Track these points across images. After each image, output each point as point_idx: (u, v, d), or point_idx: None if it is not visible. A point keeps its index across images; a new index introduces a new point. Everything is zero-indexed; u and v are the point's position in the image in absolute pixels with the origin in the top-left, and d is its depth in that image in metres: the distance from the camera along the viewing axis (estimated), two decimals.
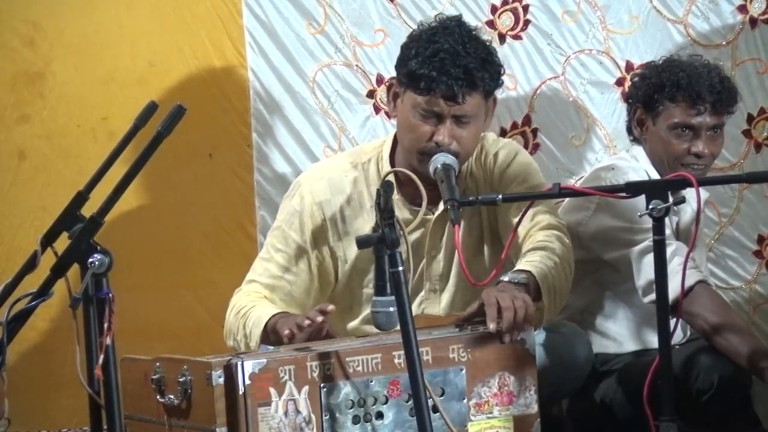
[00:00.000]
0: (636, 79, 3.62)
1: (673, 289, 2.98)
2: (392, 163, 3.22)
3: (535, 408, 2.85)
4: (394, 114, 3.21)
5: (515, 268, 3.04)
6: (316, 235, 3.23)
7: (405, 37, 3.49)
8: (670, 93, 3.46)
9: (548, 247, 3.08)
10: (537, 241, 3.11)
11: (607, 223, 3.39)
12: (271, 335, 3.01)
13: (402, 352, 2.61)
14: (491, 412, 2.81)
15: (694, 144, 3.45)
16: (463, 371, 2.77)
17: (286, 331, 2.88)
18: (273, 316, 3.04)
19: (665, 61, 3.56)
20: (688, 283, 3.20)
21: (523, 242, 3.16)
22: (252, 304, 3.14)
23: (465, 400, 2.78)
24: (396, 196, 3.13)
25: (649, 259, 3.00)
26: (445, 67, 3.05)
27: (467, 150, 3.15)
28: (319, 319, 2.85)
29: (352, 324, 3.29)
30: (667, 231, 3.25)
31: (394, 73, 3.89)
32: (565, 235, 3.16)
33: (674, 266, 3.13)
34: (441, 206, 3.11)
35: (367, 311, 3.22)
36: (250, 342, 3.07)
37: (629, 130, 3.61)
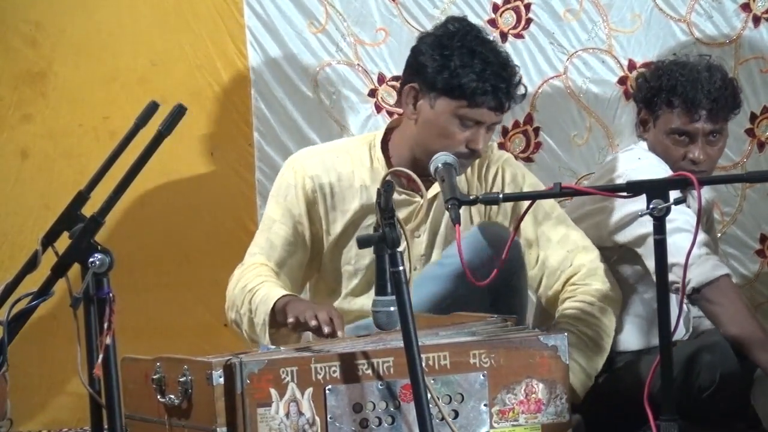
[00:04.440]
0: (639, 79, 3.61)
1: (698, 275, 3.13)
2: (385, 152, 3.30)
3: (566, 417, 2.80)
4: (413, 117, 3.23)
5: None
6: (309, 207, 3.30)
7: (406, 35, 3.58)
8: (667, 98, 3.45)
9: (585, 310, 3.25)
10: (576, 302, 3.27)
11: (636, 203, 3.33)
12: (278, 315, 3.06)
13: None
14: (516, 420, 2.77)
15: (690, 150, 3.44)
16: (485, 377, 2.74)
17: (291, 319, 2.95)
18: (282, 297, 3.08)
19: (668, 64, 3.54)
20: (718, 273, 3.23)
21: (561, 290, 3.29)
22: (260, 281, 3.17)
23: (486, 407, 2.75)
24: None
25: (673, 240, 3.02)
26: (496, 83, 3.15)
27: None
28: (326, 330, 2.90)
29: (336, 303, 3.34)
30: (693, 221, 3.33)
31: (395, 72, 3.95)
32: (607, 277, 3.29)
33: (702, 254, 3.19)
34: (431, 192, 3.23)
35: (347, 289, 3.31)
36: (254, 317, 3.11)
37: (635, 127, 3.62)
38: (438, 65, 3.17)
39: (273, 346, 2.86)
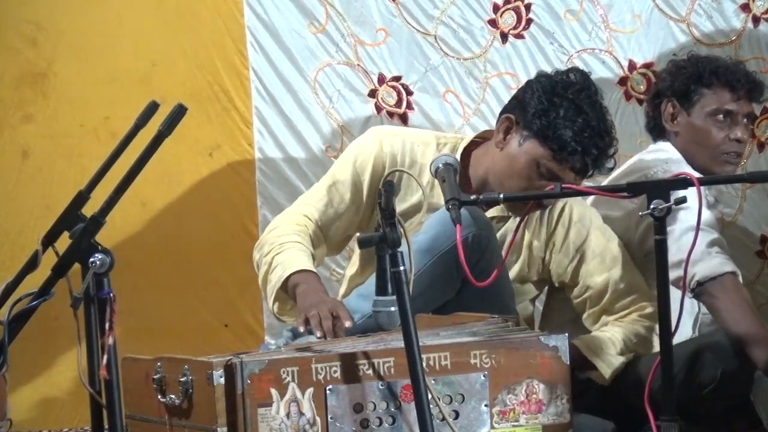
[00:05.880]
0: (665, 74, 3.63)
1: (703, 269, 3.17)
2: (464, 159, 3.32)
3: (567, 417, 2.80)
4: (500, 145, 3.26)
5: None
6: (373, 180, 3.31)
7: (406, 36, 3.64)
8: (708, 81, 3.51)
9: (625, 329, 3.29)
10: (625, 323, 3.31)
11: None
12: (289, 289, 3.09)
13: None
14: (517, 420, 2.76)
15: (733, 131, 3.51)
16: (485, 377, 2.74)
17: (302, 328, 2.94)
18: (298, 273, 3.09)
19: (698, 55, 3.62)
20: (724, 269, 3.25)
21: (612, 315, 3.34)
22: (293, 239, 3.19)
23: (487, 407, 2.75)
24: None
25: (688, 239, 3.03)
26: (589, 147, 3.16)
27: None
28: (329, 338, 2.90)
29: (353, 275, 3.41)
30: (711, 217, 3.38)
31: (395, 72, 3.95)
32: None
33: (713, 251, 3.23)
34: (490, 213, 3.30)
35: (370, 271, 3.30)
36: (270, 274, 3.13)
37: (653, 128, 3.62)
38: (541, 108, 3.19)
39: (273, 346, 2.86)
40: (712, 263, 3.25)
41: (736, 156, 3.53)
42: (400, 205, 3.32)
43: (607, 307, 3.36)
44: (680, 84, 3.55)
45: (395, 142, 3.33)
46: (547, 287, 3.60)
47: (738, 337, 3.24)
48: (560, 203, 3.37)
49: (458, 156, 3.31)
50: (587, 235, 3.37)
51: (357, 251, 3.49)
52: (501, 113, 3.30)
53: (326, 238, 3.33)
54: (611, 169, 3.27)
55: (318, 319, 2.93)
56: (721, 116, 3.51)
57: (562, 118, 3.17)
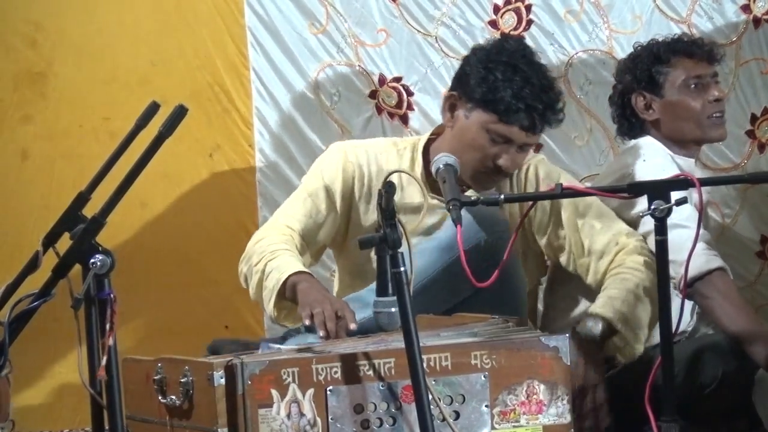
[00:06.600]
0: (622, 73, 3.63)
1: (691, 269, 3.09)
2: (426, 156, 3.34)
3: (568, 418, 2.80)
4: (449, 124, 3.29)
5: (592, 308, 3.14)
6: (344, 190, 3.34)
7: (406, 37, 3.63)
8: (666, 57, 3.52)
9: (631, 279, 3.20)
10: (624, 269, 3.23)
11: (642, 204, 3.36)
12: (287, 290, 3.09)
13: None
14: (518, 421, 2.77)
15: (709, 92, 3.51)
16: (486, 378, 2.74)
17: (307, 321, 2.95)
18: (296, 273, 3.09)
19: (640, 44, 3.62)
20: (710, 266, 3.24)
21: (608, 266, 3.28)
22: (283, 247, 3.20)
23: (487, 408, 2.75)
24: (419, 178, 3.29)
25: (671, 236, 3.02)
26: (532, 101, 3.18)
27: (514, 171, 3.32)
28: (332, 337, 2.90)
29: (365, 290, 3.34)
30: (695, 213, 3.30)
31: (395, 73, 3.95)
32: (652, 262, 3.22)
33: (698, 249, 3.16)
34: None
35: (367, 284, 3.27)
36: (265, 280, 3.13)
37: (629, 129, 3.61)
38: (480, 77, 3.21)
39: (275, 346, 2.86)
40: (698, 262, 3.23)
41: (720, 116, 3.53)
42: (373, 213, 3.32)
43: (590, 248, 3.31)
44: (641, 72, 3.56)
45: (359, 152, 3.38)
46: (545, 287, 3.60)
47: (734, 336, 3.24)
48: (524, 165, 3.37)
49: (419, 155, 3.34)
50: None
51: (337, 271, 3.49)
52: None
53: (309, 247, 3.34)
54: (561, 122, 3.28)
55: (322, 317, 2.93)
56: (692, 84, 3.51)
57: (501, 80, 3.18)
